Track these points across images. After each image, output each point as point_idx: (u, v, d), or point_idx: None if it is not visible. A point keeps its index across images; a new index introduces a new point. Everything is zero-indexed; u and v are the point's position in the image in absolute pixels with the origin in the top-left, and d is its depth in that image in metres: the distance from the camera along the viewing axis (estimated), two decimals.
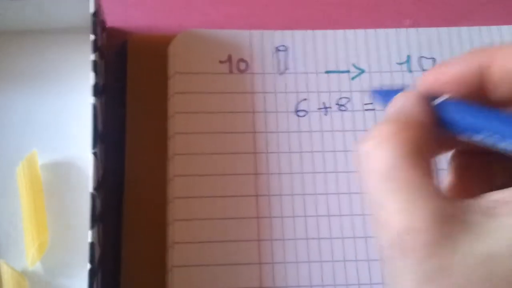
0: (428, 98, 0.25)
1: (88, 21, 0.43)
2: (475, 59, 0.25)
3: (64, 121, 0.44)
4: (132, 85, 0.44)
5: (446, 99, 0.25)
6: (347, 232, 0.41)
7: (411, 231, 0.22)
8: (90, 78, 0.40)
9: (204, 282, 0.39)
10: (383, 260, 0.23)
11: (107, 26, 0.46)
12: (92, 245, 0.35)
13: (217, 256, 0.39)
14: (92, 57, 0.40)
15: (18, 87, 0.44)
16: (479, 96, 0.25)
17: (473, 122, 0.24)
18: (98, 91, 0.39)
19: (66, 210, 0.41)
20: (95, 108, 0.39)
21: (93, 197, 0.36)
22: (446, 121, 0.25)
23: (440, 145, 0.26)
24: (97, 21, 0.41)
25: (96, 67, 0.40)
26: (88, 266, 0.35)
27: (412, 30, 0.46)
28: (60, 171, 0.42)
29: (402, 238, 0.22)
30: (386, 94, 0.26)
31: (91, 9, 0.41)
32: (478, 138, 0.24)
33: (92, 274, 0.35)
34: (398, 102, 0.26)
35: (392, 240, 0.22)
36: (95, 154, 0.38)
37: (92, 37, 0.41)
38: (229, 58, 0.45)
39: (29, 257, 0.39)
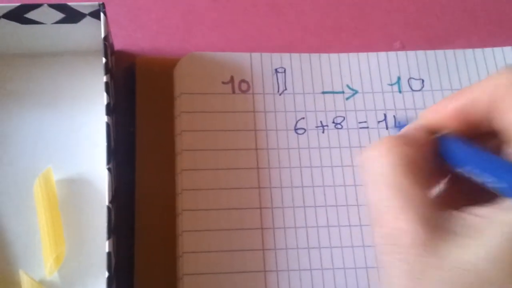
0: (431, 131, 0.29)
1: (98, 45, 0.45)
2: (469, 97, 0.28)
3: (77, 139, 0.46)
4: (141, 104, 0.47)
5: (443, 135, 0.29)
6: (345, 242, 0.44)
7: (400, 231, 0.25)
8: (101, 98, 0.42)
9: None
10: (377, 255, 0.27)
11: (115, 49, 0.49)
12: (109, 254, 0.38)
13: (224, 265, 0.42)
14: (104, 78, 0.43)
15: (32, 107, 0.47)
16: (472, 127, 0.28)
17: (459, 157, 0.28)
18: (110, 110, 0.42)
19: (80, 223, 0.43)
20: (108, 126, 0.41)
21: (109, 210, 0.39)
22: (441, 152, 0.29)
23: (440, 171, 0.30)
24: (107, 44, 0.44)
25: (108, 88, 0.42)
26: (106, 274, 0.37)
27: (401, 53, 0.49)
28: (74, 186, 0.44)
29: (393, 236, 0.25)
30: (401, 126, 0.30)
31: (102, 33, 0.44)
32: (464, 169, 0.28)
33: (110, 281, 0.37)
34: (405, 128, 0.29)
35: (385, 238, 0.26)
36: (109, 169, 0.40)
37: (103, 60, 0.44)
38: (232, 79, 0.48)
39: (47, 267, 0.41)
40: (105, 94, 0.42)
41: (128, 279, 0.42)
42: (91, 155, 0.45)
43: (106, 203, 0.39)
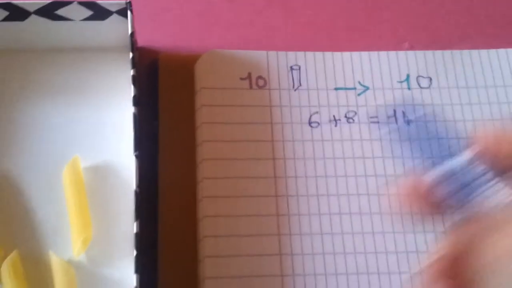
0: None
1: (123, 41, 0.48)
2: None
3: (102, 130, 0.49)
4: (164, 98, 0.49)
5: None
6: (358, 228, 0.46)
7: None
8: (124, 92, 0.45)
9: None
10: None
11: (138, 46, 0.52)
12: (137, 234, 0.40)
13: (243, 268, 0.44)
14: (131, 72, 0.45)
15: (60, 100, 0.49)
16: None
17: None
18: (137, 101, 0.44)
19: (106, 208, 0.46)
20: (135, 116, 0.44)
21: (137, 194, 0.42)
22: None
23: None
24: (134, 41, 0.47)
25: (135, 81, 0.45)
26: (134, 252, 0.40)
27: (410, 53, 0.52)
28: (100, 174, 0.47)
29: None
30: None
31: (129, 30, 0.47)
32: None
33: (137, 259, 0.40)
34: None
35: None
36: (136, 156, 0.43)
37: (131, 54, 0.46)
38: (249, 76, 0.51)
39: (75, 249, 0.44)
40: (132, 86, 0.45)
41: (151, 261, 0.44)
42: (116, 145, 0.48)
43: (134, 187, 0.42)
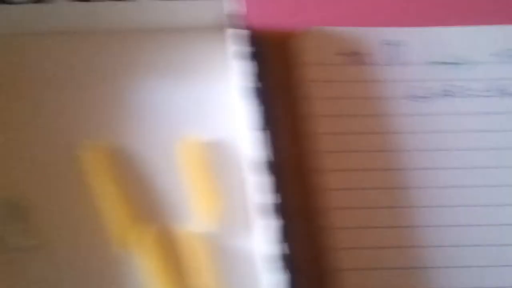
0: None
1: (220, 20, 0.50)
2: None
3: (207, 107, 0.50)
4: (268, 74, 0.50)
5: None
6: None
7: None
8: (225, 69, 0.48)
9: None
10: None
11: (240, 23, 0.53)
12: (277, 205, 0.41)
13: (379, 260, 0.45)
14: (240, 48, 0.46)
15: (165, 79, 0.50)
16: None
17: None
18: (254, 78, 0.45)
19: (223, 182, 0.47)
20: (258, 90, 0.45)
21: (270, 165, 0.43)
22: None
23: None
24: (236, 19, 0.47)
25: (253, 57, 0.46)
26: (275, 223, 0.41)
27: (508, 27, 0.54)
28: (214, 149, 0.48)
29: None
30: None
31: (230, 8, 0.48)
32: None
33: (280, 230, 0.41)
34: None
35: None
36: (265, 129, 0.44)
37: (237, 32, 0.47)
38: (350, 52, 0.52)
39: (203, 221, 0.45)
40: (247, 62, 0.46)
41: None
42: (223, 122, 0.49)
43: (259, 160, 0.43)
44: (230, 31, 0.49)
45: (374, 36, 0.52)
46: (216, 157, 0.48)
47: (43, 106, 0.49)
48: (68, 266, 0.43)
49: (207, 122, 0.49)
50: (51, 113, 0.48)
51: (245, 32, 0.46)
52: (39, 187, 0.46)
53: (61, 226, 0.45)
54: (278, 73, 0.51)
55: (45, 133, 0.48)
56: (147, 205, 0.46)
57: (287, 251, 0.40)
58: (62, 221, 0.45)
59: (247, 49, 0.46)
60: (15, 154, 0.47)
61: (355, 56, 0.52)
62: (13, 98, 0.49)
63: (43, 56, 0.50)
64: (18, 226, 0.44)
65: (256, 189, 0.44)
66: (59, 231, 0.45)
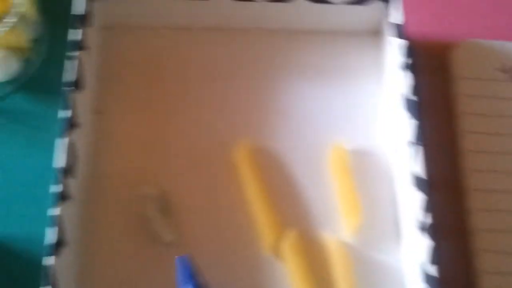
0: None
1: (378, 27, 0.50)
2: None
3: (356, 113, 0.49)
4: (426, 87, 0.49)
5: None
6: None
7: None
8: (377, 76, 0.48)
9: None
10: None
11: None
12: (430, 225, 0.40)
13: None
14: (404, 59, 0.45)
15: (315, 81, 0.50)
16: None
17: None
18: (416, 90, 0.45)
19: (368, 193, 0.46)
20: (415, 103, 0.44)
21: (423, 182, 0.42)
22: None
23: None
24: (399, 27, 0.46)
25: (413, 68, 0.45)
26: (429, 242, 0.40)
27: None
28: (362, 158, 0.48)
29: None
30: None
31: (388, 15, 0.47)
32: None
33: (434, 250, 0.40)
34: None
35: None
36: (419, 144, 0.43)
37: (401, 41, 0.46)
38: (508, 68, 0.50)
39: (346, 231, 0.45)
40: (403, 72, 0.45)
41: None
42: (371, 130, 0.49)
43: (417, 174, 0.42)
44: (387, 39, 0.48)
45: None
46: (365, 166, 0.47)
47: (199, 105, 0.50)
48: (211, 264, 0.44)
49: (358, 129, 0.49)
50: (205, 111, 0.49)
51: (403, 41, 0.45)
52: (189, 185, 0.47)
53: (204, 224, 0.46)
54: (433, 85, 0.50)
55: (200, 132, 0.49)
56: (292, 208, 0.46)
57: (437, 271, 0.39)
58: (207, 219, 0.46)
59: (404, 58, 0.45)
60: (169, 151, 0.48)
61: None
62: (172, 93, 0.50)
63: (200, 52, 0.52)
64: (169, 221, 0.45)
65: (408, 204, 0.43)
66: (203, 229, 0.46)
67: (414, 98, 0.43)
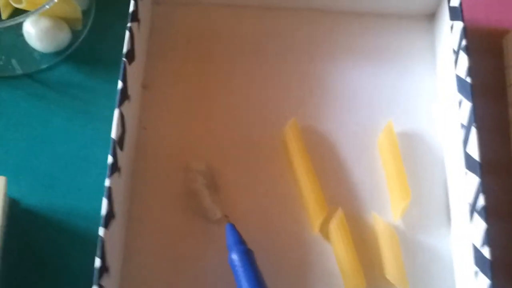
0: None
1: (430, 10, 0.50)
2: None
3: (406, 96, 0.49)
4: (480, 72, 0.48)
5: None
6: None
7: None
8: (427, 59, 0.47)
9: None
10: None
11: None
12: (481, 207, 0.40)
13: None
14: (460, 41, 0.45)
15: (367, 63, 0.50)
16: None
17: None
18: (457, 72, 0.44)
19: (417, 175, 0.46)
20: (466, 86, 0.43)
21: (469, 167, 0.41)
22: None
23: None
24: (450, 10, 0.46)
25: (464, 50, 0.44)
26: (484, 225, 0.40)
27: None
28: (410, 139, 0.47)
29: None
30: None
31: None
32: None
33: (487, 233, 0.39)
34: None
35: None
36: (469, 127, 0.42)
37: (447, 23, 0.46)
38: None
39: (394, 213, 0.45)
40: (459, 56, 0.44)
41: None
42: (421, 112, 0.48)
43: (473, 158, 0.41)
44: (442, 22, 0.48)
45: None
46: (415, 149, 0.47)
47: (247, 83, 0.50)
48: (257, 242, 0.44)
49: (408, 112, 0.48)
50: (253, 90, 0.49)
51: (459, 24, 0.45)
52: (235, 162, 0.47)
53: (250, 202, 0.46)
54: (486, 69, 0.49)
55: (247, 109, 0.49)
56: (340, 189, 0.46)
57: (489, 255, 0.39)
58: (253, 197, 0.46)
59: (460, 41, 0.44)
60: (215, 128, 0.48)
61: None
62: (223, 72, 0.50)
63: (249, 30, 0.51)
64: (216, 198, 0.45)
65: (459, 187, 0.43)
66: (249, 206, 0.45)
67: (469, 80, 0.43)
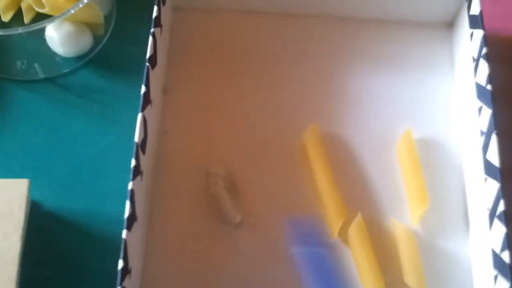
0: None
1: (448, 17, 0.50)
2: None
3: (424, 103, 0.49)
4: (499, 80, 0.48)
5: None
6: None
7: None
8: (445, 68, 0.48)
9: None
10: None
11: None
12: (501, 213, 0.40)
13: None
14: (480, 49, 0.45)
15: (384, 70, 0.50)
16: None
17: None
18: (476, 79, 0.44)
19: (435, 181, 0.46)
20: (486, 93, 0.44)
21: (487, 172, 0.41)
22: None
23: None
24: (475, 17, 0.46)
25: (484, 58, 0.45)
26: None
27: None
28: (430, 147, 0.48)
29: None
30: None
31: (473, 8, 0.47)
32: None
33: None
34: None
35: None
36: (489, 133, 0.43)
37: (466, 31, 0.46)
38: None
39: (413, 217, 0.45)
40: (477, 63, 0.45)
41: None
42: (445, 119, 0.48)
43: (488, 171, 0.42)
44: (461, 30, 0.48)
45: None
46: (433, 155, 0.47)
47: (267, 88, 0.50)
48: (276, 245, 0.44)
49: (426, 119, 0.49)
50: (273, 95, 0.50)
51: (479, 33, 0.45)
52: (255, 166, 0.47)
53: (270, 206, 0.46)
54: (504, 79, 0.49)
55: (267, 115, 0.49)
56: (359, 194, 0.46)
57: (509, 259, 0.39)
58: (272, 201, 0.46)
59: (480, 50, 0.45)
60: (235, 132, 0.48)
61: None
62: (243, 78, 0.51)
63: (268, 36, 0.52)
64: (236, 202, 0.45)
65: (478, 193, 0.43)
66: (269, 211, 0.46)
67: (489, 87, 0.43)
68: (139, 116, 0.42)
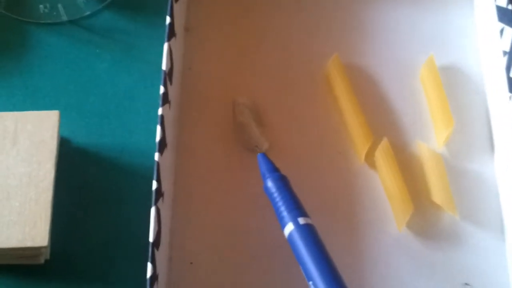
0: None
1: None
2: None
3: (446, 29, 0.50)
4: None
5: None
6: None
7: None
8: None
9: None
10: None
11: None
12: None
13: None
14: None
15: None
16: None
17: None
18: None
19: (459, 104, 0.47)
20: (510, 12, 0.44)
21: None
22: None
23: None
24: None
25: None
26: None
27: None
28: (453, 73, 0.48)
29: None
30: None
31: None
32: None
33: None
34: None
35: None
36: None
37: None
38: None
39: (438, 140, 0.45)
40: None
41: None
42: (466, 44, 0.49)
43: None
44: None
45: None
46: (456, 81, 0.48)
47: (290, 21, 0.51)
48: (303, 173, 0.45)
49: (449, 46, 0.49)
50: (295, 28, 0.50)
51: None
52: (279, 98, 0.48)
53: (296, 136, 0.47)
54: None
55: (290, 48, 0.50)
56: (383, 120, 0.47)
57: None
58: (298, 131, 0.47)
59: None
60: (260, 66, 0.49)
61: None
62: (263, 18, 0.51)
63: None
64: (262, 130, 0.46)
65: (502, 115, 0.43)
66: (295, 140, 0.46)
67: (510, 7, 0.43)
68: (165, 45, 0.42)
